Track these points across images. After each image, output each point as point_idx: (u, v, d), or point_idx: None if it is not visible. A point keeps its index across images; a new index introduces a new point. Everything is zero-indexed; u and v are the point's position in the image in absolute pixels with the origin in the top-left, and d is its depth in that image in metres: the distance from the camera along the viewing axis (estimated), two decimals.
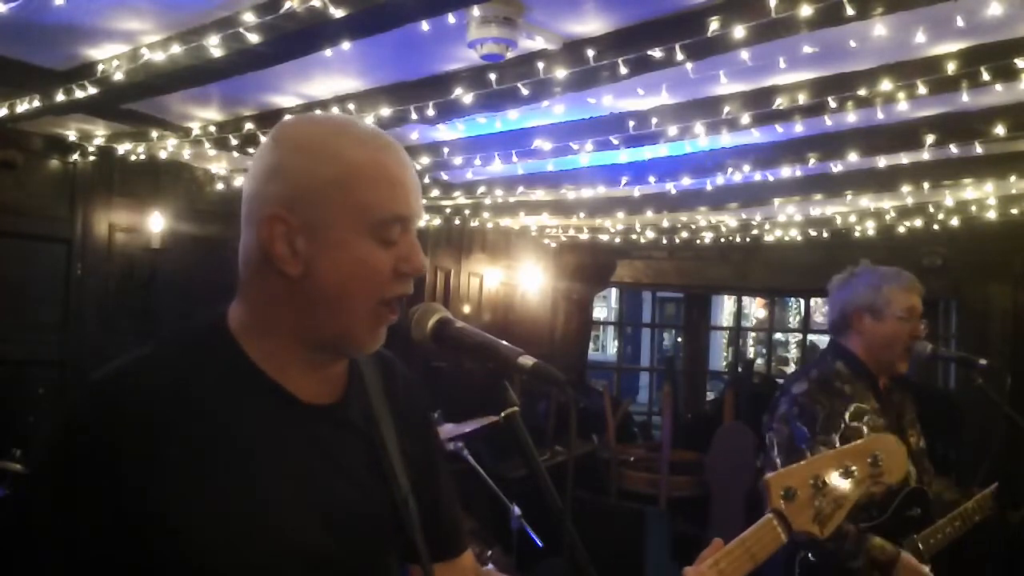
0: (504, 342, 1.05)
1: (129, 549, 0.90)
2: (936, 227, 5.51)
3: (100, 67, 2.98)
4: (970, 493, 2.35)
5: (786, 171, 4.14)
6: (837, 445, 2.02)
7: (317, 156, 1.00)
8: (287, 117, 1.10)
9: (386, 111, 3.22)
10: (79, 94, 3.11)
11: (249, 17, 2.40)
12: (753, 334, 13.80)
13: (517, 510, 3.71)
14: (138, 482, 0.90)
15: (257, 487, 0.96)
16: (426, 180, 4.66)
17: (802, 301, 10.54)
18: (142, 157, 4.41)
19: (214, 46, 2.55)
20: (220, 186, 4.89)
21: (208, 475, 0.93)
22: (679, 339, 11.89)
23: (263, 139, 1.07)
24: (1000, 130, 3.16)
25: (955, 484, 2.50)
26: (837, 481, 1.44)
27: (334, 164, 0.99)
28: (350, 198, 0.99)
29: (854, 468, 1.46)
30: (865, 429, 2.18)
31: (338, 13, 2.21)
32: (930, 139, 3.34)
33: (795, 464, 1.46)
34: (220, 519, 0.93)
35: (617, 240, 6.85)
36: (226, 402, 0.98)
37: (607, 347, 16.62)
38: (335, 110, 3.35)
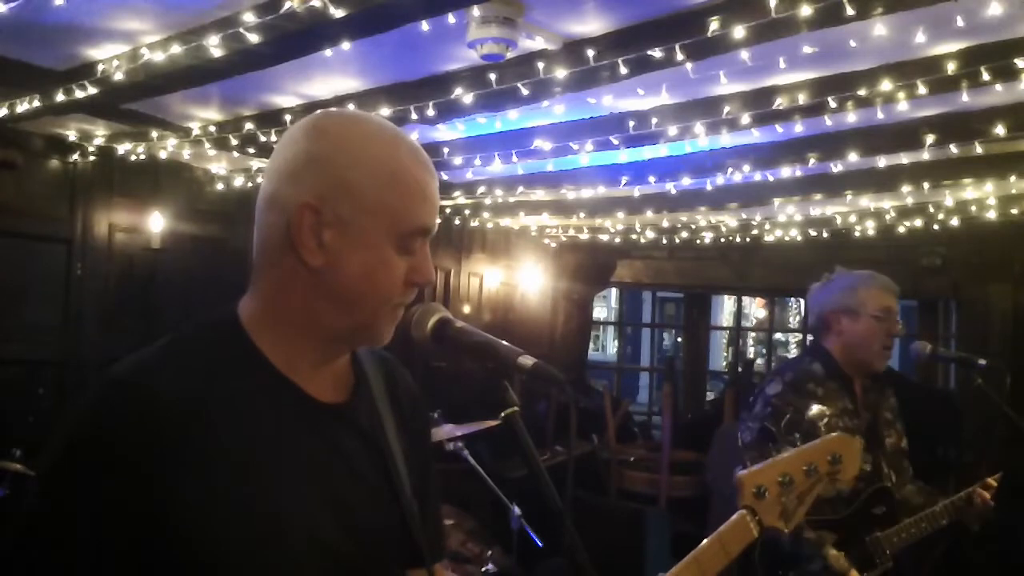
0: (504, 342, 1.05)
1: (151, 553, 0.88)
2: (936, 227, 5.51)
3: (100, 67, 2.98)
4: (936, 500, 2.39)
5: (786, 171, 4.14)
6: (798, 444, 2.06)
7: (359, 156, 1.00)
8: (324, 109, 1.10)
9: (386, 111, 3.22)
10: (79, 94, 3.11)
11: (249, 17, 2.40)
12: (753, 334, 13.81)
13: (517, 510, 3.70)
14: (160, 485, 0.88)
15: (278, 489, 0.95)
16: None
17: (802, 301, 10.53)
18: (142, 157, 4.41)
19: (214, 46, 2.55)
20: (220, 186, 4.90)
21: (230, 478, 0.92)
22: (679, 339, 11.89)
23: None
24: (1000, 130, 3.16)
25: (928, 489, 2.51)
26: (800, 478, 1.52)
27: (375, 167, 1.00)
28: (385, 203, 1.00)
29: (816, 466, 1.54)
30: (823, 429, 2.25)
31: (338, 13, 2.22)
32: (930, 139, 3.34)
33: (765, 463, 1.55)
34: (244, 522, 0.92)
35: (617, 240, 6.86)
36: (244, 402, 0.97)
37: (607, 347, 16.63)
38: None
